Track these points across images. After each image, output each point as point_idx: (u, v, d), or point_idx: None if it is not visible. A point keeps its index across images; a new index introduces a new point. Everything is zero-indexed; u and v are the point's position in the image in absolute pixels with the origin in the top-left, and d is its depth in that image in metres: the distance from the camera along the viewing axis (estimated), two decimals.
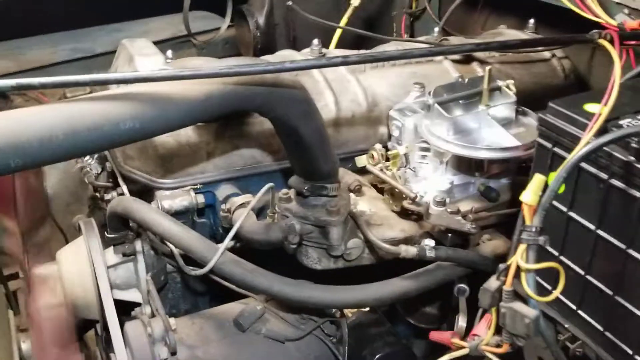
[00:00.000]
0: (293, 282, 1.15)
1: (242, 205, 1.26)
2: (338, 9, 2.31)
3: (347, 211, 1.22)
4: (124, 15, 2.75)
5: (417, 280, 1.20)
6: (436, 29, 1.67)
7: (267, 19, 2.30)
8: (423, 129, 1.29)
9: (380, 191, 1.42)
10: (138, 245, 1.35)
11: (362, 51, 1.49)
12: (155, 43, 2.43)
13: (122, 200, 1.24)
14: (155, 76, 0.90)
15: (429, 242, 1.18)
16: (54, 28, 2.62)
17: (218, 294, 1.40)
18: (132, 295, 1.39)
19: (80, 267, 1.35)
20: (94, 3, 2.74)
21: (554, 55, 1.72)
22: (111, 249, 1.37)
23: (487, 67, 1.23)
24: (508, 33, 1.80)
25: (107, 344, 1.42)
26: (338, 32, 2.10)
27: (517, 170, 1.36)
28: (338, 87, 1.44)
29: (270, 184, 1.21)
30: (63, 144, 0.87)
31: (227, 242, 1.13)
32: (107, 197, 1.58)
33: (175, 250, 1.25)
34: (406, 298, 1.20)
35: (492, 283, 0.95)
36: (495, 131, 1.26)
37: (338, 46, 2.03)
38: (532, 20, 1.80)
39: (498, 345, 1.00)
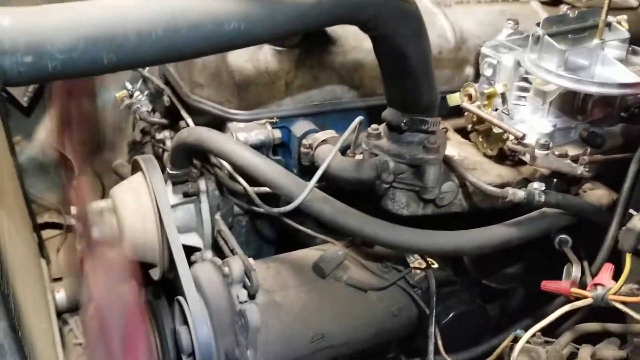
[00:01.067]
0: (387, 224, 1.03)
1: (324, 141, 1.13)
2: None
3: (444, 150, 1.10)
4: None
5: (520, 228, 1.09)
6: None
7: None
8: (527, 64, 1.17)
9: (465, 136, 1.30)
10: (202, 184, 1.23)
11: None
12: None
13: (195, 130, 1.11)
14: None
15: (538, 185, 1.06)
16: None
17: (286, 242, 1.29)
18: (192, 240, 1.27)
19: (140, 205, 1.23)
20: None
21: None
22: (170, 187, 1.25)
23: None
24: None
25: (166, 292, 1.31)
26: None
27: (620, 117, 1.24)
28: (425, 20, 1.30)
29: (360, 117, 1.09)
30: (162, 41, 0.75)
31: (317, 177, 1.00)
32: (159, 136, 1.46)
33: (250, 189, 1.13)
34: (507, 247, 1.08)
35: (637, 223, 0.84)
36: (611, 68, 1.13)
37: None
38: None
39: (632, 294, 0.89)
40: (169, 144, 1.43)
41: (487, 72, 1.27)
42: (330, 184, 1.09)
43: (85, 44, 0.71)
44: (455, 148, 1.25)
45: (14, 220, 1.16)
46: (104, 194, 1.93)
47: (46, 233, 1.97)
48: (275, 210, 1.03)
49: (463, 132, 1.31)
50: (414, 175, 1.09)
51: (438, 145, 1.07)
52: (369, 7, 0.89)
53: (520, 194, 1.05)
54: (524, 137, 1.10)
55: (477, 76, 1.38)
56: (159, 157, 1.44)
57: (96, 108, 1.84)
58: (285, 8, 0.83)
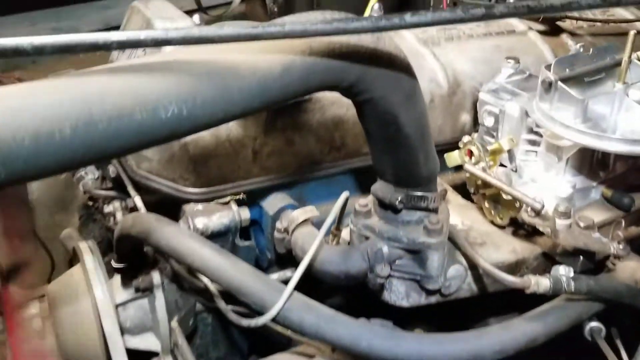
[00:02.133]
0: (386, 333, 0.82)
1: (304, 222, 0.93)
2: None
3: (448, 229, 0.90)
4: None
5: (546, 322, 0.88)
6: None
7: None
8: (538, 115, 0.98)
9: (465, 193, 1.11)
10: (156, 277, 1.01)
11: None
12: None
13: (140, 220, 0.90)
14: (216, 35, 0.57)
15: (566, 271, 0.87)
16: (32, 5, 2.26)
17: (259, 339, 1.08)
18: (147, 342, 1.05)
19: (78, 305, 1.01)
20: None
21: None
22: (119, 281, 1.03)
23: (632, 31, 0.92)
24: None
25: None
26: None
27: None
28: (413, 63, 1.11)
29: (346, 194, 0.89)
30: (72, 141, 0.54)
31: (296, 279, 0.80)
32: (107, 209, 1.24)
33: (213, 289, 0.92)
34: (532, 346, 0.89)
35: None
36: (636, 116, 0.95)
37: None
38: None
39: None
40: (119, 217, 1.21)
41: (488, 121, 1.08)
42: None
43: None
44: (458, 214, 1.05)
45: None
46: (52, 270, 1.70)
47: None
48: (245, 322, 0.82)
49: (463, 188, 1.12)
50: (414, 262, 0.89)
51: (441, 226, 0.87)
52: (349, 71, 0.70)
53: (544, 283, 0.86)
54: (542, 208, 0.90)
55: (474, 123, 1.19)
56: (110, 230, 1.22)
57: None
58: (242, 83, 0.62)
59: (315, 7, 1.97)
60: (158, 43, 0.57)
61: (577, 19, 1.33)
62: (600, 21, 1.36)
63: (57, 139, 0.53)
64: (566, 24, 1.34)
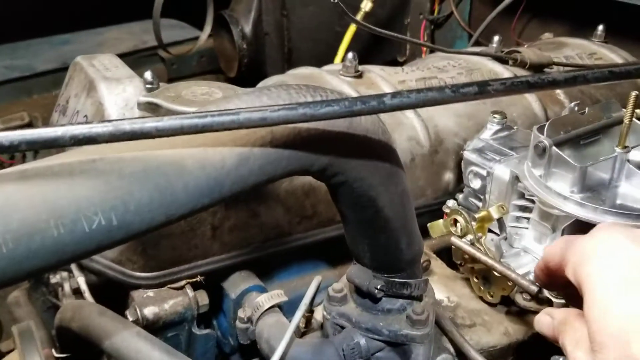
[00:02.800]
0: None
1: (271, 309, 0.81)
2: (338, 16, 1.91)
3: (434, 318, 0.80)
4: (71, 25, 2.27)
5: None
6: (496, 38, 1.28)
7: (255, 27, 1.87)
8: (531, 182, 0.89)
9: (451, 260, 1.01)
10: None
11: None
12: None
13: (79, 312, 0.77)
14: (153, 129, 0.46)
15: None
16: None
17: None
18: None
19: None
20: (34, 10, 2.26)
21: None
22: None
23: (634, 93, 0.83)
24: (572, 42, 1.43)
25: None
26: (347, 37, 1.70)
27: None
28: (391, 121, 1.01)
29: (318, 278, 0.78)
30: None
31: None
32: (53, 279, 1.11)
33: None
34: None
35: None
36: (638, 182, 0.87)
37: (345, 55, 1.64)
38: (601, 27, 1.44)
39: None
40: (67, 288, 1.09)
41: (475, 183, 0.99)
42: None
43: None
44: (443, 288, 0.96)
45: None
46: (1, 334, 1.55)
47: None
48: None
49: (448, 253, 1.02)
50: (397, 355, 0.78)
51: (427, 316, 0.77)
52: (319, 157, 0.59)
53: None
54: (540, 291, 0.81)
55: (458, 182, 1.10)
56: (55, 306, 1.09)
57: None
58: (187, 180, 0.51)
59: (287, 43, 1.87)
60: (80, 142, 0.46)
61: (563, 64, 1.25)
62: (587, 67, 1.29)
63: None
64: (553, 70, 1.26)
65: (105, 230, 0.48)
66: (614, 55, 1.37)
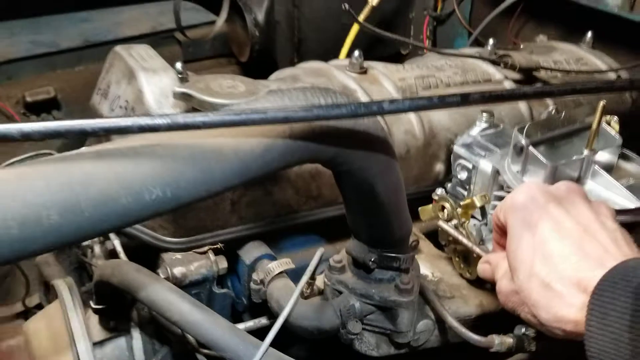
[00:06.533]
0: None
1: (280, 274, 0.95)
2: (350, 7, 2.02)
3: (419, 288, 0.94)
4: (90, 3, 2.37)
5: None
6: (491, 41, 1.40)
7: (267, 15, 1.98)
8: (509, 177, 1.02)
9: (437, 242, 1.15)
10: (135, 316, 1.02)
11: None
12: (133, 38, 2.11)
13: (118, 269, 0.91)
14: (201, 122, 0.59)
15: (530, 331, 0.91)
16: (9, 15, 2.23)
17: None
18: None
19: (56, 342, 1.02)
20: None
21: (619, 77, 1.48)
22: (96, 320, 1.04)
23: (602, 102, 0.96)
24: (562, 47, 1.55)
25: None
26: (352, 34, 1.81)
27: None
28: (390, 115, 1.14)
29: (321, 250, 0.92)
30: (58, 227, 0.56)
31: (272, 336, 0.82)
32: (84, 242, 1.25)
33: (190, 336, 0.94)
34: None
35: None
36: (603, 184, 1.00)
37: (351, 49, 1.75)
38: (589, 34, 1.55)
39: None
40: (97, 251, 1.22)
41: (461, 175, 1.12)
42: None
43: None
44: (429, 265, 1.09)
45: None
46: (28, 290, 1.69)
47: None
48: None
49: (435, 235, 1.16)
50: (385, 318, 0.92)
51: (412, 286, 0.90)
52: (328, 148, 0.72)
53: (507, 342, 0.90)
54: None
55: (447, 172, 1.23)
56: (86, 264, 1.23)
57: None
58: (223, 165, 0.65)
59: (296, 32, 1.98)
60: (144, 130, 0.59)
61: (551, 69, 1.38)
62: (574, 72, 1.41)
63: (44, 225, 0.55)
64: (541, 74, 1.38)
65: (161, 201, 0.61)
66: (599, 62, 1.49)
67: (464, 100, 0.70)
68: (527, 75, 1.36)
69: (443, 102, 0.68)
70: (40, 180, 0.56)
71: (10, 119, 1.82)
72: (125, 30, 2.14)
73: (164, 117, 0.59)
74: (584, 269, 0.68)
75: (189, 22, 2.19)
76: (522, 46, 1.65)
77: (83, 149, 0.61)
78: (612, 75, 1.47)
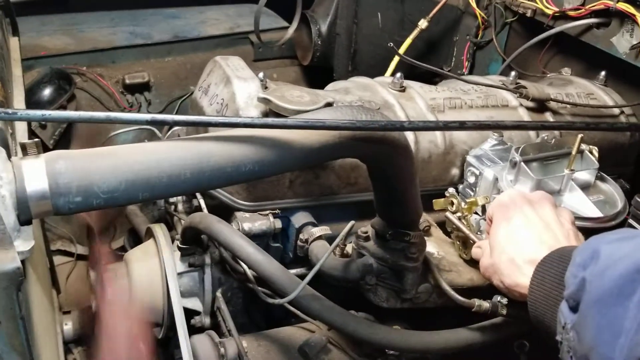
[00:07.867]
0: (367, 323, 1.18)
1: (319, 237, 1.28)
2: (402, 26, 2.32)
3: (423, 258, 1.25)
4: (178, 0, 2.74)
5: (484, 334, 1.23)
6: (513, 73, 1.68)
7: (330, 28, 2.30)
8: (504, 183, 1.32)
9: (446, 231, 1.45)
10: (207, 258, 1.37)
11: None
12: (214, 37, 2.46)
13: (205, 219, 1.26)
14: (281, 124, 0.92)
15: (502, 298, 1.21)
16: (111, 6, 2.62)
17: (275, 313, 1.44)
18: (193, 303, 1.42)
19: (150, 271, 1.38)
20: None
21: (622, 112, 1.74)
22: (178, 256, 1.39)
23: (580, 135, 1.25)
24: (577, 82, 1.81)
25: (164, 349, 1.46)
26: (396, 58, 2.11)
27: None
28: None
29: (352, 222, 1.24)
30: (189, 181, 0.90)
31: (310, 278, 1.15)
32: (171, 199, 1.61)
33: (250, 274, 1.28)
34: (470, 350, 1.23)
35: None
36: (577, 197, 1.29)
37: (397, 68, 2.05)
38: (603, 73, 1.81)
39: None
40: (180, 207, 1.58)
41: (470, 179, 1.43)
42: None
43: (125, 186, 0.85)
44: (436, 246, 1.40)
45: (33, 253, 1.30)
46: (114, 236, 2.08)
47: (57, 259, 2.11)
48: (270, 300, 1.19)
49: (444, 227, 1.46)
50: (395, 277, 1.24)
51: (417, 255, 1.22)
52: (364, 149, 1.04)
53: (485, 305, 1.20)
54: None
55: (461, 176, 1.53)
56: (170, 215, 1.59)
57: None
58: (293, 152, 0.97)
59: (353, 44, 2.29)
60: (246, 126, 0.92)
61: (559, 101, 1.65)
62: (582, 105, 1.67)
63: (181, 178, 0.89)
64: (552, 104, 1.65)
65: (250, 172, 0.94)
66: (607, 97, 1.75)
67: (461, 125, 1.00)
68: (540, 104, 1.64)
69: (445, 125, 0.99)
70: (181, 151, 0.91)
71: (110, 96, 2.21)
72: (208, 29, 2.50)
73: (259, 120, 0.93)
74: (539, 251, 0.98)
75: (262, 26, 2.52)
76: (548, 75, 1.92)
77: (204, 135, 0.95)
78: (616, 111, 1.73)
